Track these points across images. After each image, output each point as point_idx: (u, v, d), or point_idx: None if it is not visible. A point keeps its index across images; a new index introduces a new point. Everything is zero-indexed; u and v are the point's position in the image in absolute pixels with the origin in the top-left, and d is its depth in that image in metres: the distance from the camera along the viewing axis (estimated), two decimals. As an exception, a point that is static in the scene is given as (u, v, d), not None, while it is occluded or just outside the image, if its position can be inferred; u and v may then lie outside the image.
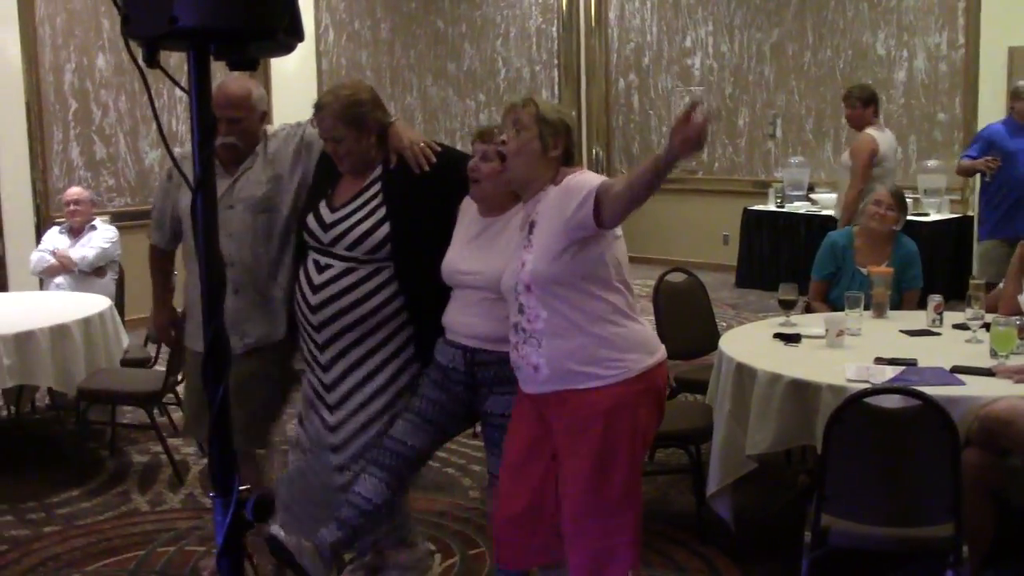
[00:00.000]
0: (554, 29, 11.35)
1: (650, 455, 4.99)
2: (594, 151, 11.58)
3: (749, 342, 4.16)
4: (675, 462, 4.86)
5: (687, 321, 4.93)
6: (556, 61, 11.41)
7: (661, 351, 2.95)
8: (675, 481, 4.69)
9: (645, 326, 2.95)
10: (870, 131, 6.57)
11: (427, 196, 3.28)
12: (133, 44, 1.68)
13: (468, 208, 3.25)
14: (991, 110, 8.27)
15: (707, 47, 10.70)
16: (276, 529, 3.24)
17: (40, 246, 6.49)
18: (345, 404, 3.33)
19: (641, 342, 2.88)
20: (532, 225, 2.88)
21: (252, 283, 3.51)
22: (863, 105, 6.66)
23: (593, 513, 2.83)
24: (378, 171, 3.34)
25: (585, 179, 2.80)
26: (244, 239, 3.49)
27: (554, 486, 2.91)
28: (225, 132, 3.48)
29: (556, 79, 11.45)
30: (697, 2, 10.69)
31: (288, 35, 1.70)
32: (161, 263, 3.92)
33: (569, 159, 2.93)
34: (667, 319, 4.82)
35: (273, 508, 1.81)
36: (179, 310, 3.95)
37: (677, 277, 5.08)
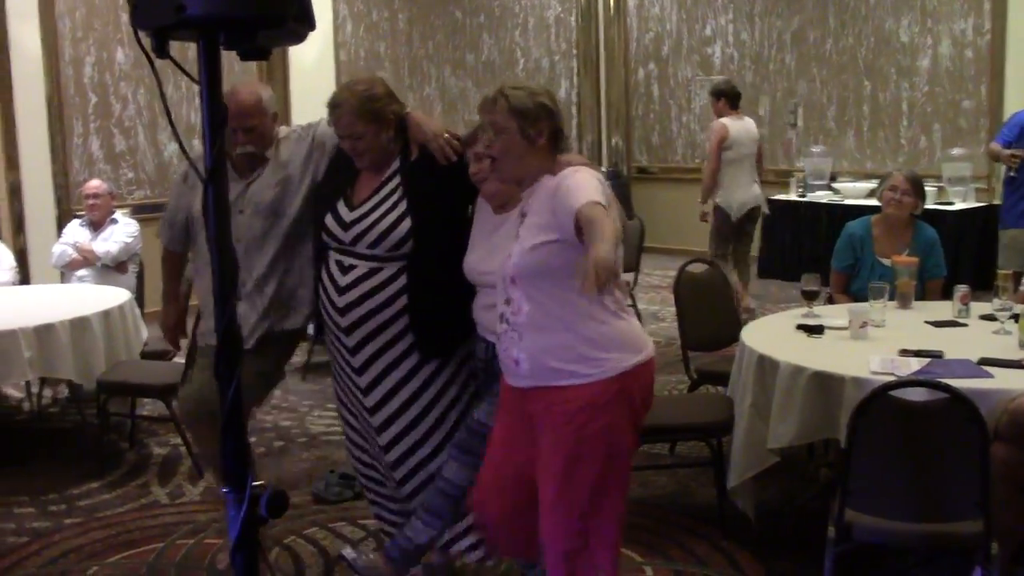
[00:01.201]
0: (573, 19, 11.31)
1: (671, 448, 4.96)
2: (613, 141, 11.53)
3: (771, 333, 4.11)
4: (696, 455, 4.83)
5: (708, 312, 4.89)
6: (575, 51, 11.37)
7: (647, 349, 2.81)
8: (696, 474, 4.65)
9: (631, 322, 2.83)
10: (723, 120, 7.58)
11: (447, 188, 3.25)
12: (145, 35, 1.65)
13: (483, 206, 3.22)
14: (1018, 97, 8.17)
15: (727, 35, 10.63)
16: (348, 552, 3.40)
17: (61, 239, 6.50)
18: (383, 408, 3.33)
19: (625, 340, 2.76)
20: (523, 216, 2.83)
21: (245, 283, 3.49)
22: (715, 99, 7.76)
23: (564, 511, 2.75)
24: (396, 165, 3.30)
25: (578, 184, 2.63)
26: (248, 243, 3.48)
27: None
28: (243, 141, 3.46)
29: (575, 69, 11.40)
30: (717, -10, 10.63)
31: (298, 23, 1.67)
32: (170, 264, 3.89)
33: (559, 139, 2.84)
34: (688, 310, 4.80)
35: (287, 505, 1.78)
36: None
37: (698, 268, 5.04)
